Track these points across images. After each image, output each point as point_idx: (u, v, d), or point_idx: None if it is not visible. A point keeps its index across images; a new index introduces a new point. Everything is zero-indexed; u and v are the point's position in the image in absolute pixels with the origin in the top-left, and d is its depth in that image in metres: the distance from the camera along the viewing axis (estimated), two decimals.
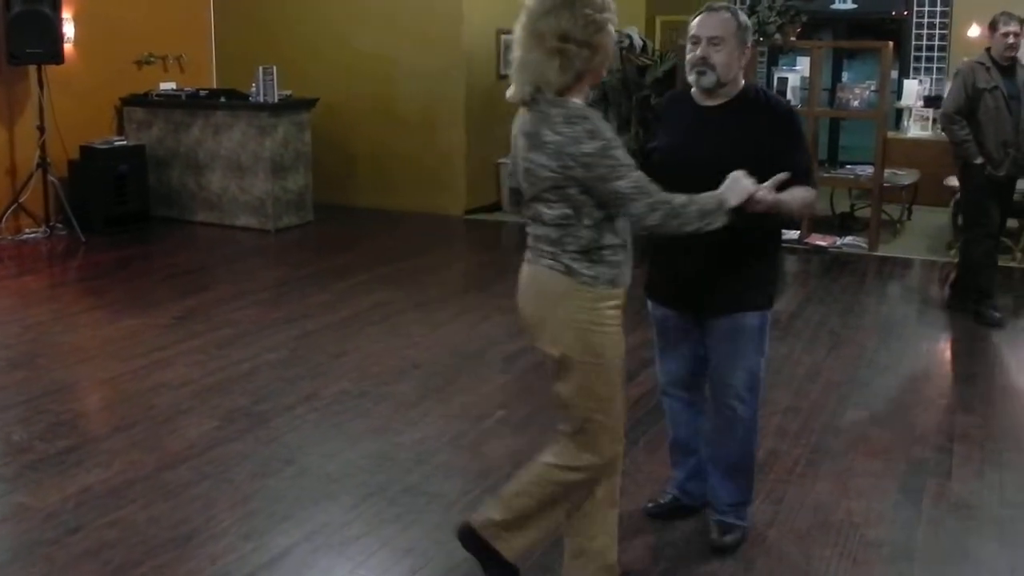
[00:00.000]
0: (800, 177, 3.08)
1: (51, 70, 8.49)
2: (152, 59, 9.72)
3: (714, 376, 3.39)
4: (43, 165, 8.50)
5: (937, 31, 12.60)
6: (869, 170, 8.78)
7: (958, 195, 8.38)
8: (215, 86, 10.20)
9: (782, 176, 2.94)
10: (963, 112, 6.23)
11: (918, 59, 12.69)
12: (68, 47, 8.75)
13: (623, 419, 2.94)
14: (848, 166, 9.68)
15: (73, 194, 8.66)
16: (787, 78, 9.31)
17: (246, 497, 3.79)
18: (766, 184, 2.89)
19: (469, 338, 5.87)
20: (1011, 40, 6.17)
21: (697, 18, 3.21)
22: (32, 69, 8.47)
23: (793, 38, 8.93)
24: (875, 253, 8.38)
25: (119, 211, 8.88)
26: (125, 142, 9.23)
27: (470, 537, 2.96)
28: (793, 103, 8.17)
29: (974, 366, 5.67)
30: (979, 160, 6.20)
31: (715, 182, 2.81)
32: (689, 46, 3.21)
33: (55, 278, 7.66)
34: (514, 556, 2.93)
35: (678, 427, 3.59)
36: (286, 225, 9.11)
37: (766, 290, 3.34)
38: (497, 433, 4.45)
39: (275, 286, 7.28)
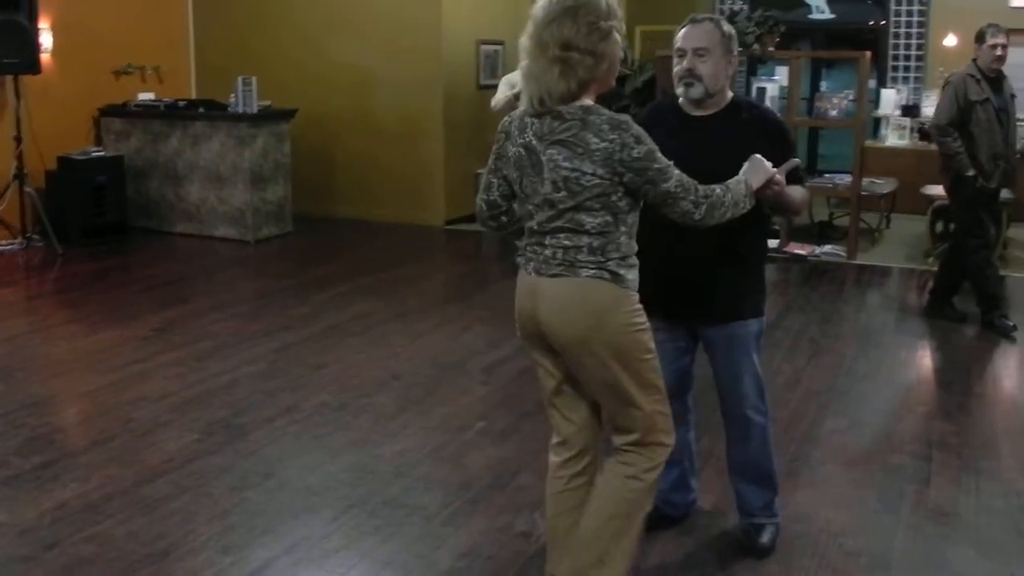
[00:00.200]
0: (795, 181, 3.18)
1: (28, 80, 8.45)
2: (130, 69, 9.68)
3: (723, 387, 3.42)
4: (20, 176, 8.45)
5: (914, 41, 12.71)
6: (847, 179, 8.83)
7: (936, 203, 8.47)
8: (194, 96, 10.17)
9: (795, 161, 3.08)
10: (955, 124, 6.23)
11: (895, 68, 12.79)
12: (45, 57, 8.71)
13: None
14: (827, 175, 9.74)
15: (50, 205, 8.60)
16: (765, 88, 9.37)
17: (225, 511, 3.77)
18: (780, 169, 2.99)
19: (449, 349, 5.86)
20: (999, 52, 6.20)
21: (682, 31, 3.24)
22: (8, 79, 8.43)
23: (771, 48, 8.99)
24: (854, 261, 8.43)
25: (97, 222, 8.83)
26: (103, 153, 9.19)
27: None
28: None
29: (952, 374, 5.70)
30: (971, 172, 6.20)
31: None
32: (675, 59, 3.24)
33: (32, 290, 7.60)
34: None
35: None
36: (265, 236, 9.09)
37: (760, 296, 3.40)
38: (478, 444, 4.45)
39: (254, 297, 7.26)
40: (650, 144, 2.66)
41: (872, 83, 11.37)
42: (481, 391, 5.17)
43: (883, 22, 12.74)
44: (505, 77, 7.76)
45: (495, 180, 2.91)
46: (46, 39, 8.79)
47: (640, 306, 2.77)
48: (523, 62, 2.75)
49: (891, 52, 12.76)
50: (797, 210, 3.42)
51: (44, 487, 3.95)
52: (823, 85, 12.76)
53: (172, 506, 3.80)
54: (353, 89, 9.95)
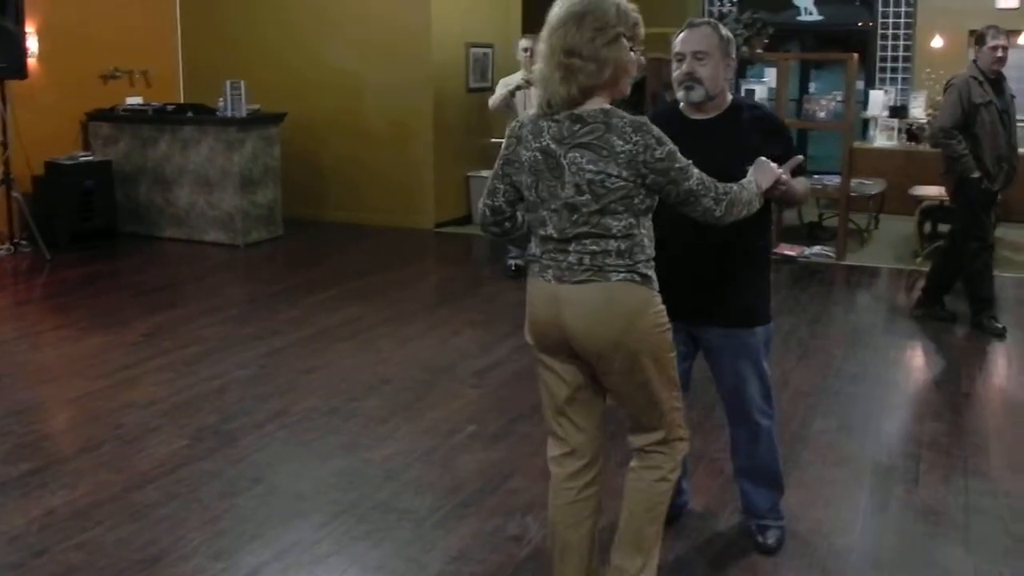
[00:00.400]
0: (798, 174, 3.25)
1: (15, 85, 8.42)
2: (118, 73, 9.66)
3: (729, 393, 3.43)
4: (7, 181, 8.42)
5: (901, 42, 12.75)
6: (836, 180, 8.85)
7: (924, 204, 8.50)
8: (182, 101, 10.14)
9: (798, 159, 3.16)
10: (959, 127, 6.19)
11: (883, 70, 12.84)
12: (32, 62, 8.68)
13: None
14: (815, 176, 9.74)
15: (38, 211, 8.57)
16: (754, 90, 9.39)
17: (215, 517, 3.76)
18: (784, 168, 3.05)
19: (440, 353, 5.86)
20: (1000, 53, 6.19)
21: (680, 35, 3.26)
22: None
23: (760, 50, 9.01)
24: (843, 262, 8.45)
25: (85, 227, 8.80)
26: (91, 157, 9.15)
27: None
28: None
29: (941, 374, 5.73)
30: (976, 175, 6.18)
31: None
32: (674, 63, 3.25)
33: (20, 296, 7.57)
34: None
35: None
36: (255, 240, 9.07)
37: (766, 300, 3.42)
38: (468, 448, 4.44)
39: (244, 302, 7.24)
40: (671, 145, 2.67)
41: (860, 84, 11.41)
42: (472, 395, 5.17)
43: (871, 24, 12.79)
44: (503, 79, 7.78)
45: (502, 186, 2.87)
46: (33, 43, 8.76)
47: (664, 306, 2.79)
48: (536, 65, 2.76)
49: (879, 53, 12.82)
50: (802, 200, 3.51)
51: (32, 494, 3.93)
52: (811, 87, 12.80)
53: (162, 512, 3.79)
54: (343, 92, 9.94)
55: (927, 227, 8.89)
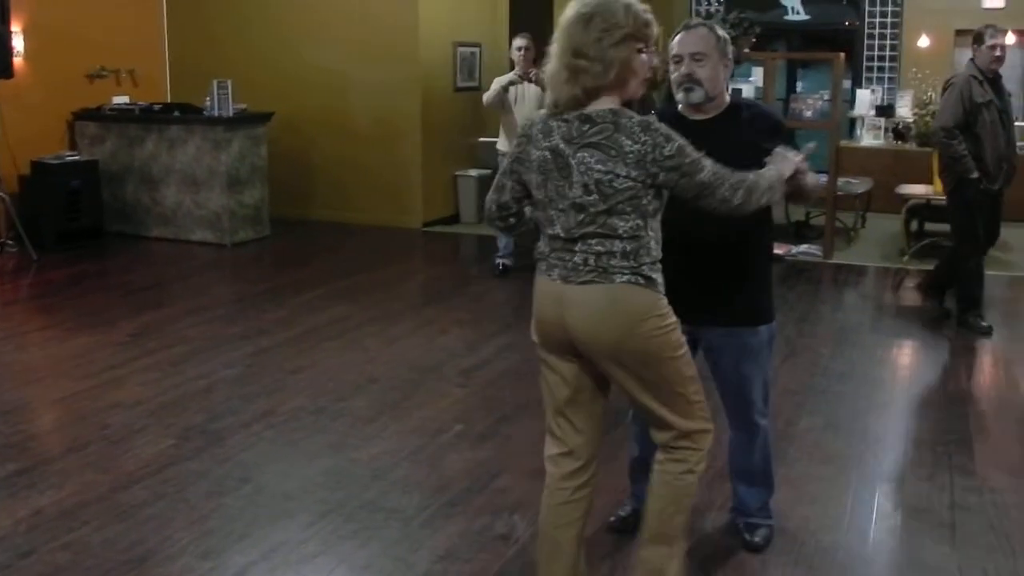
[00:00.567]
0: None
1: (0, 84, 8.37)
2: (104, 73, 9.63)
3: (732, 395, 3.44)
4: None
5: (888, 41, 12.80)
6: (823, 179, 8.85)
7: (910, 202, 8.53)
8: (169, 100, 10.11)
9: (811, 145, 3.17)
10: (960, 126, 6.17)
11: (870, 69, 12.89)
12: (18, 61, 8.64)
13: None
14: None
15: (24, 210, 8.54)
16: (741, 89, 9.43)
17: (202, 516, 3.76)
18: (801, 155, 3.07)
19: (427, 352, 5.86)
20: (998, 52, 6.17)
21: (677, 37, 3.27)
22: None
23: (747, 50, 9.02)
24: (830, 261, 8.48)
25: (72, 227, 8.77)
26: (78, 157, 9.12)
27: None
28: None
29: (927, 372, 5.75)
30: (974, 175, 6.16)
31: None
32: (672, 66, 3.26)
33: (6, 296, 7.54)
34: None
35: (644, 445, 3.61)
36: (242, 239, 9.06)
37: (769, 299, 3.43)
38: (455, 447, 4.44)
39: (231, 302, 7.23)
40: (679, 140, 2.67)
41: (847, 84, 11.45)
42: (459, 394, 5.17)
43: (857, 23, 12.83)
44: (497, 78, 7.79)
45: (509, 183, 2.89)
46: (18, 43, 8.72)
47: (669, 308, 2.78)
48: (548, 65, 2.77)
49: (865, 53, 12.86)
50: (815, 192, 3.43)
51: (19, 495, 3.92)
52: (799, 86, 12.84)
53: (148, 512, 3.78)
54: (330, 91, 9.92)
55: (914, 225, 8.93)
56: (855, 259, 8.62)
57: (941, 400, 5.17)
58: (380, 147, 9.84)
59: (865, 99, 11.73)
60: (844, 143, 10.42)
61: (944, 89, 6.43)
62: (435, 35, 9.72)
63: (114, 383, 5.25)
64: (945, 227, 8.56)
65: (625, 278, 2.69)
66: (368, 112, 9.87)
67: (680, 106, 3.31)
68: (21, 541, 3.55)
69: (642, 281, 2.70)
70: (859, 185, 9.49)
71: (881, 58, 12.86)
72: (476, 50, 10.30)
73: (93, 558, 3.44)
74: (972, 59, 6.32)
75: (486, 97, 7.75)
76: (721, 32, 3.27)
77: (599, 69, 2.64)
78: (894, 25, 12.74)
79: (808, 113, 9.08)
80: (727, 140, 3.19)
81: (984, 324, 6.33)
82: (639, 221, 2.69)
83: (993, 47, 6.18)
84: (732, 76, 3.57)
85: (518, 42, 7.69)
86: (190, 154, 8.99)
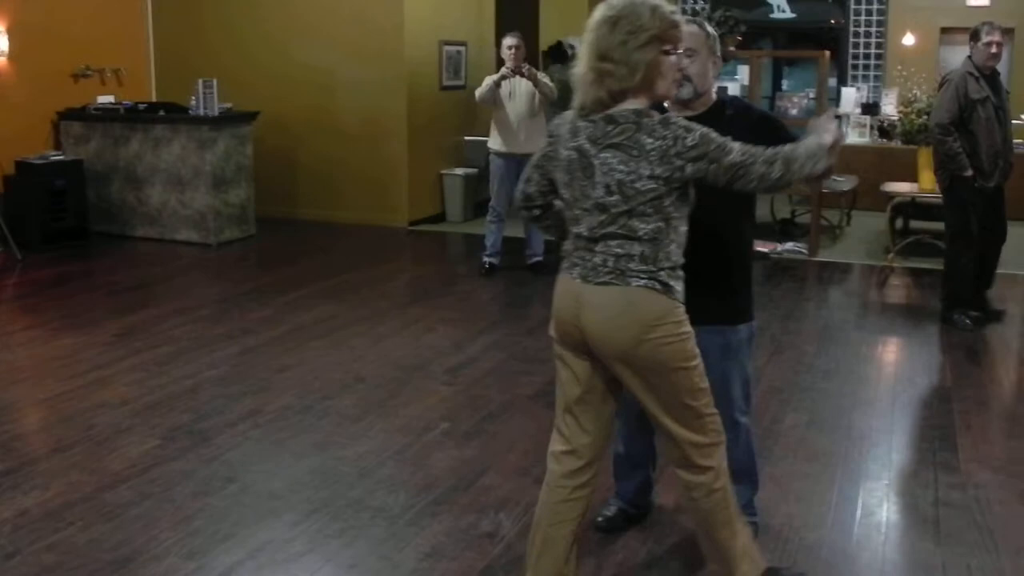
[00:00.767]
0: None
1: None
2: (89, 72, 9.59)
3: (716, 395, 3.43)
4: None
5: (873, 39, 12.85)
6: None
7: (895, 200, 8.56)
8: (154, 99, 10.08)
9: (835, 110, 3.06)
10: (956, 123, 6.17)
11: (855, 67, 12.93)
12: (2, 60, 8.63)
13: None
14: None
15: (9, 210, 8.50)
16: (727, 87, 9.44)
17: (188, 516, 3.75)
18: (829, 115, 3.00)
19: (413, 351, 5.86)
20: (994, 49, 6.17)
21: None
22: None
23: (733, 48, 9.06)
24: (815, 258, 8.51)
25: (57, 227, 8.74)
26: (62, 157, 9.09)
27: None
28: None
29: (911, 369, 5.77)
30: (968, 173, 6.17)
31: (714, 189, 2.87)
32: None
33: None
34: None
35: (631, 444, 3.62)
36: (228, 239, 9.04)
37: (749, 298, 3.45)
38: (441, 446, 4.45)
39: (217, 301, 7.21)
40: (701, 128, 2.67)
41: (832, 82, 11.49)
42: (445, 392, 5.18)
43: (843, 21, 12.87)
44: (488, 77, 7.80)
45: (536, 176, 2.95)
46: (2, 42, 8.69)
47: (686, 316, 2.78)
48: (576, 67, 2.78)
49: (851, 51, 12.91)
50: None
51: (4, 495, 3.91)
52: (784, 84, 12.88)
53: (134, 512, 3.77)
54: (316, 90, 9.91)
55: (899, 223, 8.97)
56: (840, 257, 8.65)
57: (925, 397, 5.20)
58: (366, 146, 9.83)
59: (850, 97, 11.77)
60: None
61: (941, 85, 6.44)
62: (421, 34, 9.72)
63: (99, 383, 5.24)
64: (930, 225, 8.65)
65: (642, 282, 2.70)
66: (354, 111, 9.85)
67: (666, 102, 3.32)
68: (6, 542, 3.53)
69: (659, 287, 2.70)
70: (844, 183, 9.52)
71: (866, 56, 12.91)
72: (462, 49, 10.30)
73: (78, 559, 3.43)
74: (969, 56, 6.33)
75: (478, 93, 7.75)
76: (711, 29, 3.29)
77: (624, 72, 2.66)
78: (879, 23, 12.79)
79: (793, 111, 9.12)
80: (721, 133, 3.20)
81: (969, 322, 6.36)
82: (660, 224, 2.70)
83: (989, 44, 6.17)
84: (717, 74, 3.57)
85: (508, 41, 7.69)
86: (175, 153, 8.96)
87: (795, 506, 3.85)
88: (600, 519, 3.66)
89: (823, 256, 8.59)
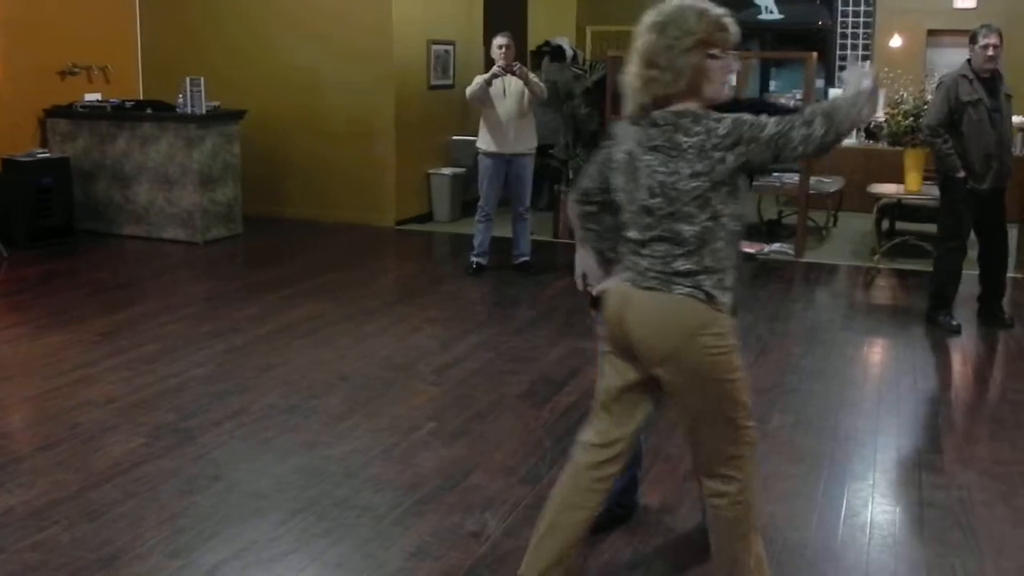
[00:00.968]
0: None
1: None
2: (76, 69, 9.55)
3: None
4: None
5: (861, 41, 12.90)
6: (795, 178, 8.93)
7: (881, 201, 8.60)
8: (141, 97, 10.05)
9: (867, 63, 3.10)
10: (945, 125, 6.21)
11: (843, 68, 12.95)
12: None
13: None
14: (775, 174, 9.83)
15: None
16: None
17: (173, 515, 3.74)
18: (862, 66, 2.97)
19: (400, 350, 5.86)
20: (991, 52, 6.16)
21: None
22: None
23: None
24: (801, 259, 8.54)
25: (43, 225, 8.70)
26: (49, 154, 9.05)
27: None
28: None
29: (897, 370, 5.79)
30: (961, 174, 6.19)
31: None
32: None
33: None
34: None
35: None
36: (215, 237, 9.02)
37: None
38: (428, 445, 4.45)
39: (203, 300, 7.20)
40: (731, 116, 2.66)
41: (819, 83, 11.52)
42: (431, 392, 5.17)
43: (830, 23, 12.91)
44: (478, 76, 7.79)
45: (592, 170, 2.99)
46: None
47: (730, 327, 2.77)
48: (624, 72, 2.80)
49: (838, 52, 12.95)
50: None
51: None
52: (772, 85, 12.91)
53: (119, 511, 3.76)
54: (303, 89, 9.89)
55: (885, 224, 9.00)
56: (827, 258, 8.68)
57: (911, 398, 5.22)
58: (354, 145, 9.82)
59: None
60: None
61: (936, 88, 6.49)
62: (409, 33, 9.71)
63: (85, 381, 5.22)
64: (916, 226, 8.70)
65: (685, 290, 2.70)
66: (342, 110, 9.84)
67: None
68: None
69: (702, 296, 2.70)
70: (831, 184, 9.56)
71: (854, 58, 12.95)
72: (450, 48, 10.30)
73: (63, 557, 3.42)
74: (968, 60, 6.34)
75: (469, 91, 7.73)
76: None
77: (669, 78, 2.66)
78: (867, 25, 12.84)
79: None
80: None
81: (954, 323, 6.39)
82: (708, 223, 2.68)
83: (986, 47, 6.17)
84: None
85: (499, 40, 7.68)
86: (162, 151, 8.93)
87: (779, 506, 3.86)
88: None
89: (809, 257, 8.62)
